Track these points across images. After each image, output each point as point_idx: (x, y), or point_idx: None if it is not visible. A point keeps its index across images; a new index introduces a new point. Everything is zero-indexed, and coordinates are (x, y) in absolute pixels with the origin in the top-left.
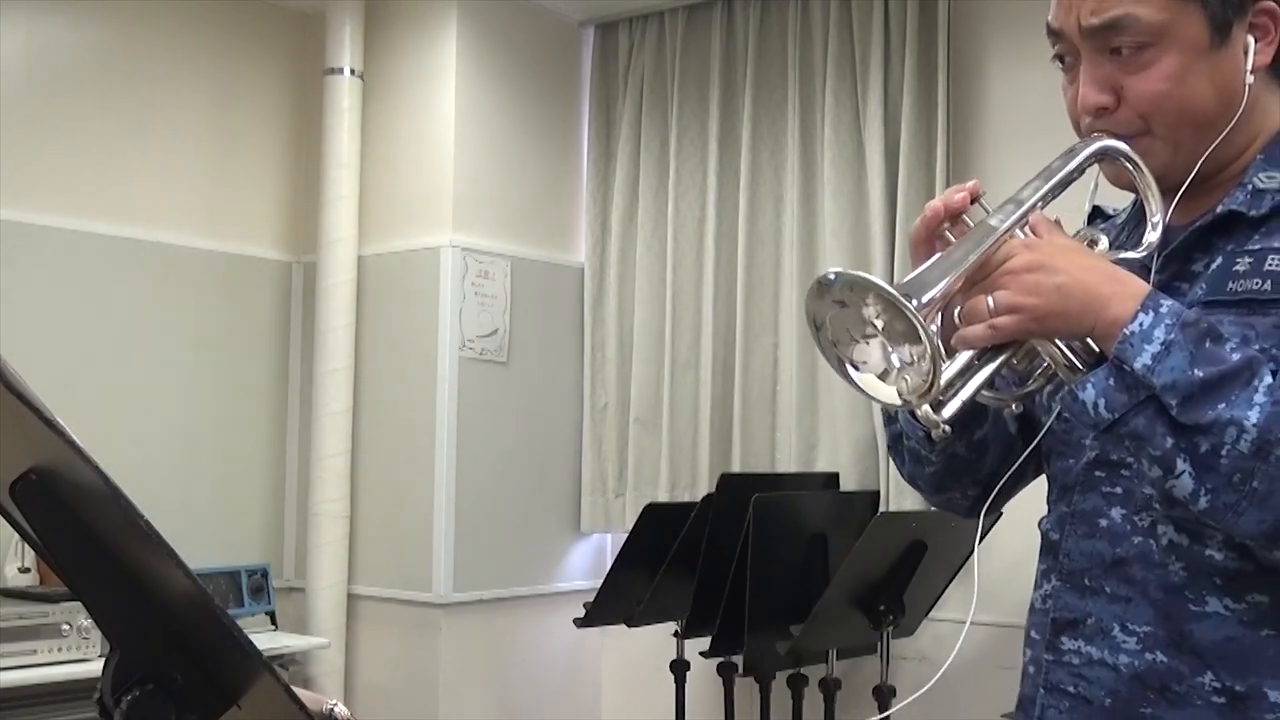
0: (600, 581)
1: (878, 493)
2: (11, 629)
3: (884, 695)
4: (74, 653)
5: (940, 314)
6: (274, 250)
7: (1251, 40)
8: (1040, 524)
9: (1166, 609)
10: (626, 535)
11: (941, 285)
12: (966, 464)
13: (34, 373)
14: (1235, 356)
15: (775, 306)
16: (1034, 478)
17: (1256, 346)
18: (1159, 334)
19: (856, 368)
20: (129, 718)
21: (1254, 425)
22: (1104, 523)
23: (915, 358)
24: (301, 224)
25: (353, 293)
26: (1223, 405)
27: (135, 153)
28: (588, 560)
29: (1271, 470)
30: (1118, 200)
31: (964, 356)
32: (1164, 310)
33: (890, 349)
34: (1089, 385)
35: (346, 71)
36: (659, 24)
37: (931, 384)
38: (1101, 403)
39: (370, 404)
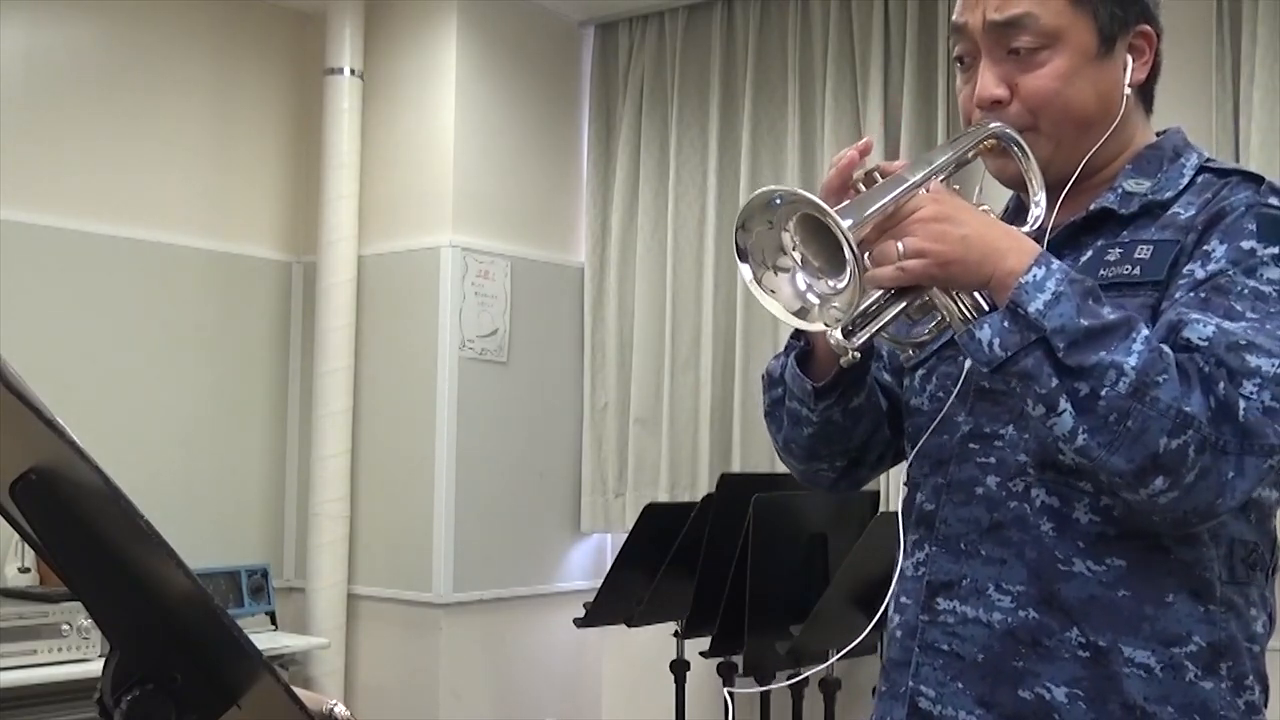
0: (600, 581)
1: (878, 493)
2: (11, 629)
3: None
4: (74, 653)
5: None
6: (274, 250)
7: (1129, 59)
8: (905, 499)
9: (1038, 569)
10: (626, 535)
11: (868, 211)
12: (841, 431)
13: (34, 372)
14: (1113, 315)
15: None
16: (894, 462)
17: None
18: (1050, 285)
19: (767, 292)
20: (129, 718)
21: (1133, 368)
22: (980, 490)
23: (834, 288)
24: (301, 224)
25: (353, 293)
26: (1104, 352)
27: (135, 153)
28: (588, 560)
29: (1146, 410)
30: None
31: (871, 297)
32: (1054, 267)
33: (806, 280)
34: (985, 326)
35: (346, 71)
36: (659, 24)
37: (851, 306)
38: (996, 342)
39: (370, 404)
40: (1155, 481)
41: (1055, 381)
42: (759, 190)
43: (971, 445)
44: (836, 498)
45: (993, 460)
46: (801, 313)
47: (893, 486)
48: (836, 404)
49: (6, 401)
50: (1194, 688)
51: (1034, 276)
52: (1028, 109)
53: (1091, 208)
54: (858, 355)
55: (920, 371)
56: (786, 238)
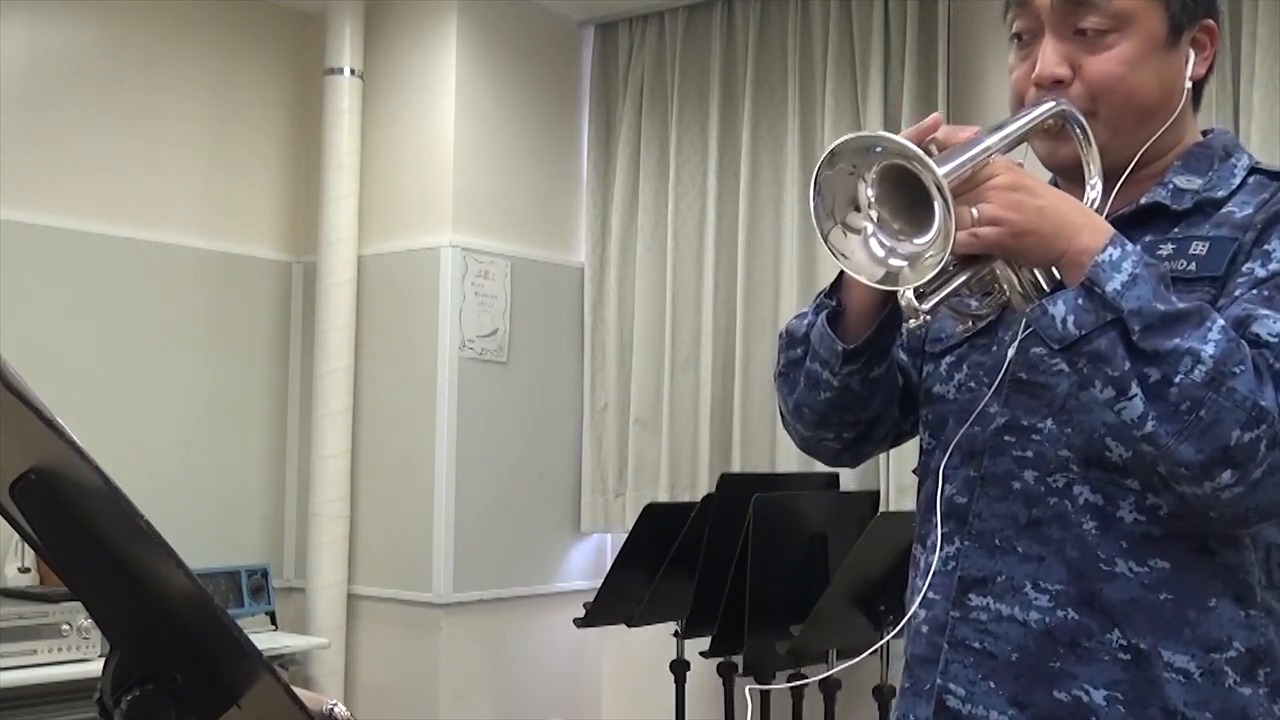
0: (600, 581)
1: (878, 493)
2: (11, 629)
3: (884, 695)
4: (74, 653)
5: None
6: (275, 250)
7: (1192, 52)
8: (927, 491)
9: (1079, 568)
10: (626, 535)
11: (958, 162)
12: (856, 400)
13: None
14: (1187, 303)
15: (775, 306)
16: (895, 443)
17: None
18: (1127, 266)
19: (837, 251)
20: (129, 718)
21: (1211, 357)
22: (1017, 485)
23: (919, 245)
24: (302, 224)
25: (353, 292)
26: (1179, 339)
27: (134, 153)
28: (588, 560)
29: (1221, 400)
30: None
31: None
32: (1129, 249)
33: (886, 242)
34: (1059, 301)
35: (346, 71)
36: (659, 24)
37: (938, 266)
38: (1070, 319)
39: (370, 404)
40: (1223, 475)
41: (1128, 365)
42: (861, 133)
43: (1007, 438)
44: (836, 498)
45: (1030, 454)
46: (887, 279)
47: (893, 486)
48: (860, 370)
49: (6, 401)
50: (1233, 694)
51: (1110, 256)
52: (1089, 92)
53: (1143, 201)
54: (928, 318)
55: (948, 359)
56: (864, 191)
